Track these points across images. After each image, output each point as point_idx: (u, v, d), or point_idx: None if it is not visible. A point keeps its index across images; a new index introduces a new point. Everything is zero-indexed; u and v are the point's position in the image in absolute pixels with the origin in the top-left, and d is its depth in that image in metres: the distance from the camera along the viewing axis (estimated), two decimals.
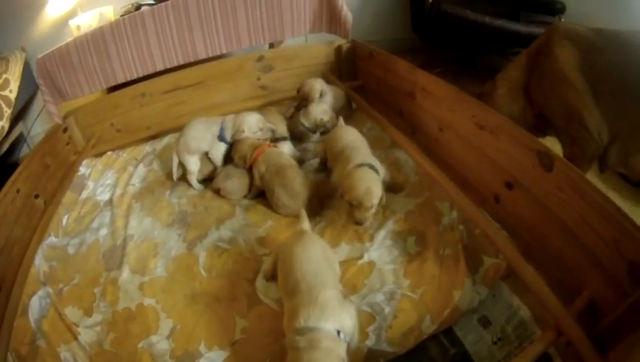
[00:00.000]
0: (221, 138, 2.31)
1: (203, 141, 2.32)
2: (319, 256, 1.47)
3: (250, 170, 2.20)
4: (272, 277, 1.68)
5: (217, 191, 2.26)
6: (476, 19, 3.12)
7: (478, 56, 3.84)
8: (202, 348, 1.51)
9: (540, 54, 2.02)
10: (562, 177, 1.41)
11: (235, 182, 2.22)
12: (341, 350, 1.20)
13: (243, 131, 2.23)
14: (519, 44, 3.09)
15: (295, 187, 2.01)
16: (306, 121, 2.53)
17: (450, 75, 2.09)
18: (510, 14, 3.27)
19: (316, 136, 2.59)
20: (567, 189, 1.40)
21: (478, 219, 1.66)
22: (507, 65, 2.22)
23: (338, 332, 1.23)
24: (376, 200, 1.73)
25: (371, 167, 1.84)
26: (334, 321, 1.25)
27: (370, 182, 1.74)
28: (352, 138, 2.11)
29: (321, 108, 2.53)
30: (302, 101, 2.70)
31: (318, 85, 2.64)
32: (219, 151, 2.34)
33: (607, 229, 1.28)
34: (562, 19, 3.05)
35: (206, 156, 2.36)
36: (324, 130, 2.51)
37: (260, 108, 2.65)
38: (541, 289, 1.34)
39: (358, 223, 1.76)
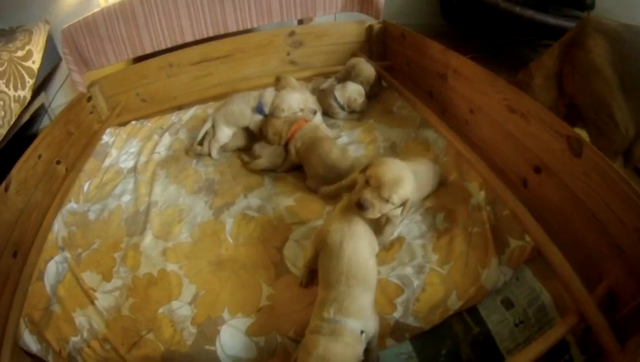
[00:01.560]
0: (259, 110, 2.23)
1: (242, 117, 2.26)
2: (367, 253, 1.39)
3: (285, 146, 2.11)
4: (311, 271, 1.53)
5: (245, 164, 2.19)
6: (507, 8, 3.05)
7: (505, 46, 3.75)
8: (226, 315, 1.45)
9: (573, 46, 2.04)
10: (590, 163, 1.39)
11: (269, 155, 2.13)
12: (360, 349, 1.19)
13: (282, 110, 2.12)
14: (547, 36, 3.07)
15: (332, 158, 1.89)
16: (340, 96, 2.46)
17: (477, 63, 2.04)
18: (539, 6, 3.16)
19: (343, 114, 2.52)
20: (594, 176, 1.38)
21: (508, 199, 1.64)
22: (541, 55, 2.23)
23: (361, 332, 1.21)
24: (396, 197, 1.37)
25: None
26: (362, 323, 1.22)
27: (406, 178, 1.39)
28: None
29: (358, 89, 2.47)
30: (345, 74, 2.66)
31: (364, 65, 2.61)
32: (255, 124, 2.26)
33: (631, 217, 1.25)
34: (590, 15, 2.93)
35: (241, 129, 2.31)
36: (352, 110, 2.48)
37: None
38: (566, 272, 1.34)
39: (360, 205, 1.38)
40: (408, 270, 1.50)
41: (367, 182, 1.39)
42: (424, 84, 2.58)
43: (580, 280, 1.30)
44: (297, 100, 2.15)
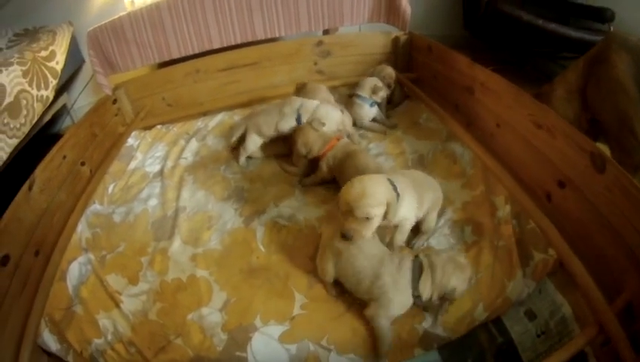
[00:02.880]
0: (298, 121, 2.15)
1: (272, 128, 2.20)
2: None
3: (314, 161, 2.04)
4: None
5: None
6: (530, 21, 3.03)
7: (526, 59, 3.74)
8: (258, 322, 1.42)
9: (598, 61, 2.04)
10: (612, 179, 1.40)
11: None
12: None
13: (323, 124, 2.05)
14: (569, 49, 3.07)
15: (370, 169, 1.80)
16: (360, 91, 2.46)
17: (500, 75, 2.05)
18: (560, 19, 3.16)
19: (370, 117, 2.50)
20: (615, 191, 1.39)
21: (533, 213, 1.64)
22: (566, 69, 2.23)
23: None
24: (373, 210, 1.34)
25: (390, 181, 1.47)
26: None
27: (370, 187, 1.35)
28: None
29: (375, 78, 2.49)
30: None
31: (381, 66, 2.69)
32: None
33: None
34: (612, 28, 2.98)
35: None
36: (380, 99, 2.49)
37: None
38: (588, 284, 1.34)
39: (345, 237, 1.38)
40: None
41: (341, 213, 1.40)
42: (450, 97, 2.56)
43: (600, 292, 1.31)
44: (338, 119, 2.12)
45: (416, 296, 1.36)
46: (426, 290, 1.35)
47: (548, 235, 1.53)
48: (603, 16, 3.04)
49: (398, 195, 1.44)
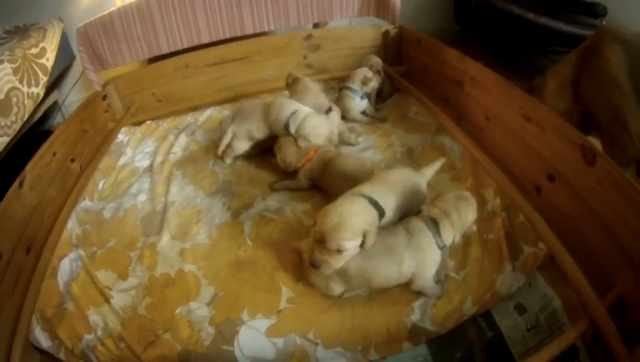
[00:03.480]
0: (286, 127, 2.05)
1: (263, 133, 2.16)
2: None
3: (292, 173, 2.01)
4: None
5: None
6: (521, 15, 3.05)
7: (518, 53, 3.75)
8: (245, 316, 1.42)
9: (591, 54, 2.04)
10: (603, 173, 1.40)
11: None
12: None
13: (309, 142, 1.99)
14: (560, 44, 3.10)
15: (349, 170, 1.77)
16: (351, 83, 2.46)
17: (491, 69, 2.07)
18: (551, 13, 3.17)
19: (361, 106, 2.51)
20: (607, 185, 1.39)
21: (522, 206, 1.65)
22: (558, 62, 2.23)
23: None
24: (346, 244, 1.27)
25: (371, 200, 1.39)
26: None
27: (347, 217, 1.28)
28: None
29: (365, 69, 2.49)
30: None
31: (369, 56, 2.72)
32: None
33: None
34: (604, 23, 3.01)
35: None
36: (371, 90, 2.49)
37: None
38: (578, 278, 1.35)
39: (314, 266, 1.32)
40: None
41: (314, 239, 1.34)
42: (440, 91, 2.57)
43: (590, 286, 1.32)
44: (326, 132, 2.05)
45: (442, 246, 1.38)
46: (449, 237, 1.38)
47: (538, 229, 1.54)
48: (595, 11, 3.07)
49: (382, 212, 1.39)
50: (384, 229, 1.39)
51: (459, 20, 3.78)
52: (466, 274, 1.49)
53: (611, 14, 3.02)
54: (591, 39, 2.07)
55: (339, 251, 1.28)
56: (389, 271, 1.36)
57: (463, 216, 1.39)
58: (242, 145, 2.18)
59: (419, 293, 1.44)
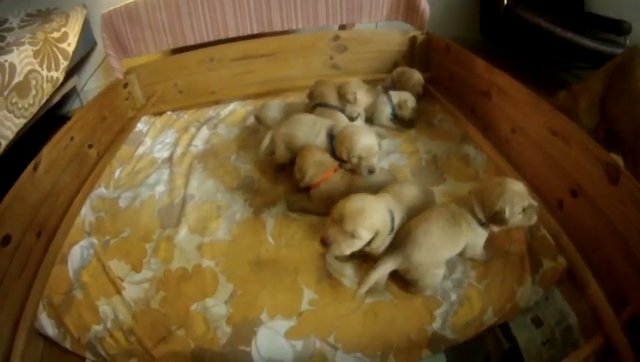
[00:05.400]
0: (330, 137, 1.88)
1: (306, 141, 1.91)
2: None
3: (306, 189, 1.79)
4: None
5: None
6: (548, 29, 3.03)
7: (540, 66, 3.72)
8: (264, 316, 1.38)
9: (621, 72, 2.05)
10: (626, 191, 1.40)
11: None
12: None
13: (353, 157, 1.72)
14: (584, 59, 3.10)
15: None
16: (394, 96, 2.38)
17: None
18: (576, 29, 3.15)
19: (389, 117, 2.41)
20: (628, 203, 1.39)
21: (545, 220, 1.63)
22: (587, 80, 2.24)
23: None
24: (362, 231, 1.28)
25: (390, 213, 1.38)
26: None
27: (369, 208, 1.30)
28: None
29: (410, 96, 2.39)
30: (392, 82, 2.60)
31: (412, 71, 2.56)
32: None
33: None
34: (628, 41, 3.01)
35: None
36: (400, 117, 2.39)
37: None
38: (597, 294, 1.37)
39: (323, 242, 1.31)
40: (447, 284, 1.47)
41: (331, 218, 1.34)
42: (466, 100, 2.52)
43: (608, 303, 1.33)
44: (366, 147, 1.72)
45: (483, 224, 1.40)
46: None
47: (560, 243, 1.54)
48: (620, 28, 3.07)
49: (393, 229, 1.38)
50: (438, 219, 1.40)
51: (483, 30, 3.76)
52: (488, 284, 1.47)
53: (636, 32, 3.01)
54: (621, 58, 2.08)
55: (352, 236, 1.29)
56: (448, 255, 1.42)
57: (495, 196, 1.36)
58: (281, 153, 1.96)
59: (441, 301, 1.42)
